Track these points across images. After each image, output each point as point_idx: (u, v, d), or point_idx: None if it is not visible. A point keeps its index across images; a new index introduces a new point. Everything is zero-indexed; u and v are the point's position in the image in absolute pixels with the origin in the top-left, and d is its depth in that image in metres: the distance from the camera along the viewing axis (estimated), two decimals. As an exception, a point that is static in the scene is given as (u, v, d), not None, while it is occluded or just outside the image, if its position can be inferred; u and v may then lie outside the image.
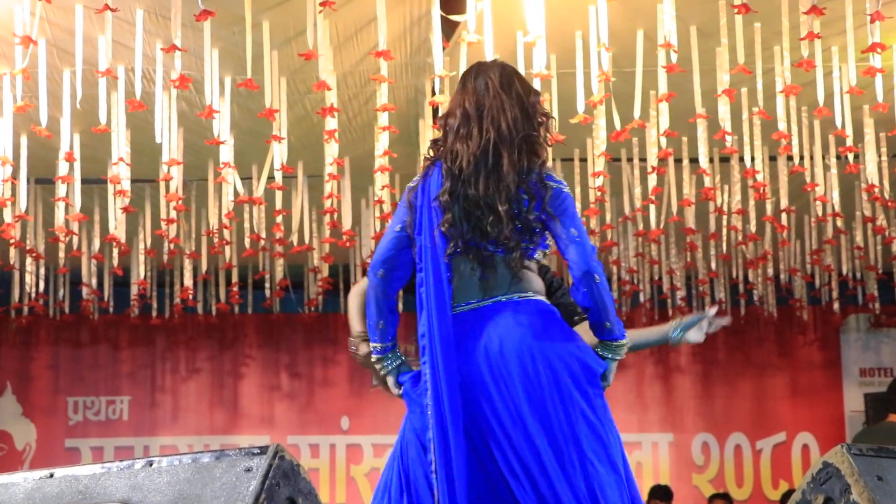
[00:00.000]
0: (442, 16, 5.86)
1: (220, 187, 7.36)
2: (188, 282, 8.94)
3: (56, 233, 7.40)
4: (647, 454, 11.17)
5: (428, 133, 6.81)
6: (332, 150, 6.50)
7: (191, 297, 9.34)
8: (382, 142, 6.41)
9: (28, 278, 8.66)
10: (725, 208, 7.89)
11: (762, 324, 10.97)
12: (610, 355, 3.42)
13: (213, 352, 11.28)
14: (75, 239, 8.01)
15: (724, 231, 8.28)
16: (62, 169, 6.78)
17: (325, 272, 8.80)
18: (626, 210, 7.89)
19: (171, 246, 8.21)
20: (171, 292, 9.94)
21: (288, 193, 7.67)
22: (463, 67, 5.56)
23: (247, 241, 8.06)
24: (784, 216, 7.63)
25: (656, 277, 9.69)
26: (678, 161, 7.49)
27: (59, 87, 6.42)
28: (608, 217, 8.31)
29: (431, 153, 3.41)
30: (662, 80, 6.07)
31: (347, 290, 9.91)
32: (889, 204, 7.69)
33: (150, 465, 3.24)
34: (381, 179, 6.76)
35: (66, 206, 7.06)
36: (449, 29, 6.06)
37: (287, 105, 6.67)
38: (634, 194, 7.68)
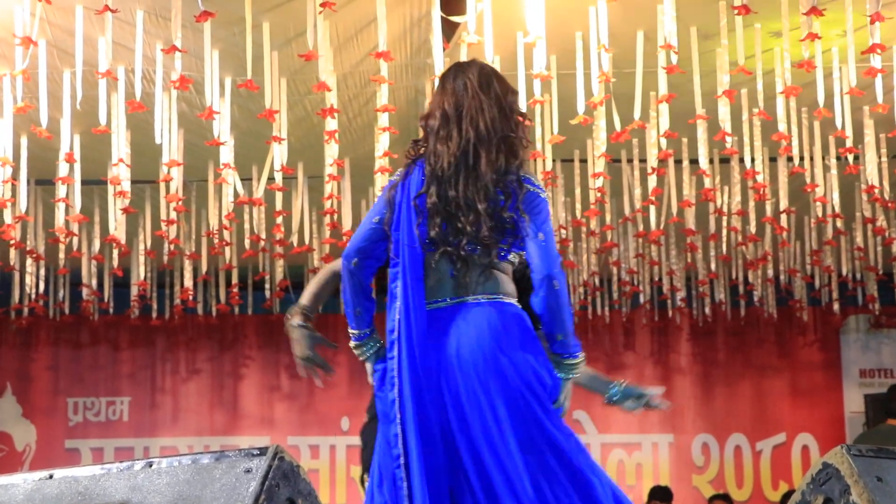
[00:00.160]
0: (442, 17, 5.86)
1: (221, 188, 7.36)
2: (188, 283, 8.93)
3: (56, 234, 7.39)
4: (647, 455, 11.17)
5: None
6: (332, 150, 6.50)
7: (191, 297, 9.34)
8: (382, 143, 6.41)
9: (28, 279, 8.65)
10: (725, 209, 7.89)
11: (762, 325, 10.97)
12: (561, 373, 3.33)
13: (214, 353, 11.28)
14: (75, 240, 8.01)
15: (724, 232, 8.28)
16: (62, 170, 6.78)
17: (325, 273, 8.77)
18: (627, 211, 7.89)
19: (172, 247, 8.21)
20: (172, 293, 9.94)
21: (288, 194, 7.67)
22: (463, 68, 5.55)
23: (247, 242, 8.06)
24: (784, 217, 7.63)
25: (656, 278, 9.69)
26: (678, 162, 7.50)
27: (60, 87, 6.42)
28: (608, 218, 8.31)
29: (412, 152, 3.41)
30: (662, 81, 6.07)
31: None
32: (889, 205, 7.69)
33: (150, 466, 3.24)
34: (381, 180, 6.76)
35: (67, 207, 7.06)
36: (449, 30, 6.06)
37: (287, 106, 6.67)
38: (634, 195, 7.68)
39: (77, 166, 6.86)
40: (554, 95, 6.40)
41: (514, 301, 3.37)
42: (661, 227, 7.80)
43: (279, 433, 11.05)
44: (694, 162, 7.14)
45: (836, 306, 9.94)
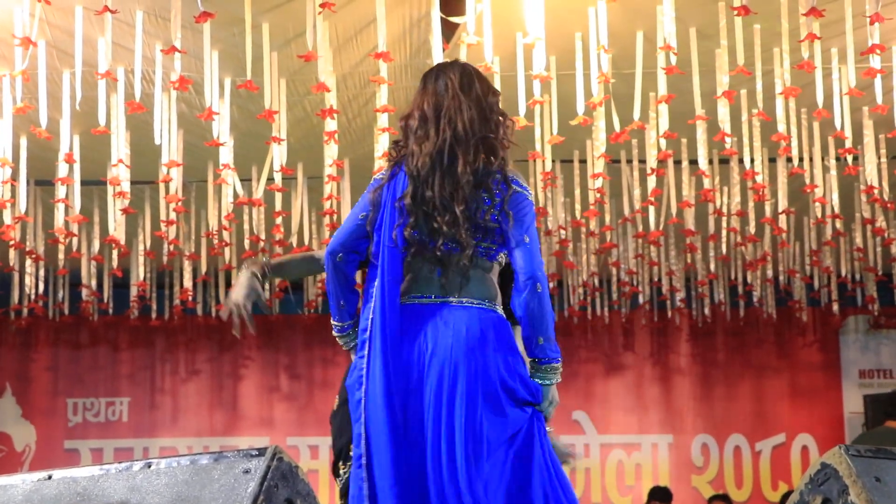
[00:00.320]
0: (442, 17, 5.86)
1: (220, 189, 7.36)
2: (188, 283, 8.94)
3: (56, 234, 7.39)
4: (647, 455, 11.17)
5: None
6: (331, 151, 6.50)
7: (190, 298, 9.34)
8: (382, 143, 6.40)
9: (28, 280, 8.65)
10: (725, 210, 7.89)
11: (761, 325, 10.98)
12: (540, 379, 3.33)
13: (213, 353, 11.28)
14: (75, 240, 8.01)
15: (724, 232, 8.28)
16: (62, 170, 6.78)
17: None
18: (626, 211, 7.89)
19: (171, 247, 8.21)
20: (171, 294, 9.94)
21: (287, 195, 7.67)
22: (462, 69, 5.55)
23: (246, 243, 8.06)
24: (783, 218, 7.63)
25: (656, 279, 9.69)
26: (678, 163, 7.50)
27: (59, 88, 6.42)
28: (608, 219, 8.31)
29: (393, 154, 3.44)
30: (662, 81, 6.06)
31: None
32: (888, 205, 7.69)
33: (149, 466, 3.25)
34: (380, 181, 6.75)
35: (66, 208, 7.06)
36: (448, 30, 6.06)
37: (287, 106, 6.67)
38: (634, 196, 7.68)
39: (76, 167, 6.86)
40: (553, 96, 6.40)
41: (497, 307, 3.38)
42: (661, 227, 7.80)
43: (278, 434, 11.05)
44: (693, 162, 7.14)
45: (835, 307, 9.94)
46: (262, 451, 3.19)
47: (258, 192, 7.29)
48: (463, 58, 5.75)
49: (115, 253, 8.26)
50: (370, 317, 3.29)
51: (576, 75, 6.13)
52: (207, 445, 10.93)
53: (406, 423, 3.24)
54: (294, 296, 9.94)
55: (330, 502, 10.87)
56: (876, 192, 7.15)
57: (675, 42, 5.78)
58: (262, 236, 7.95)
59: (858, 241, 8.64)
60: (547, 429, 3.49)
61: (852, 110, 6.49)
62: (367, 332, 3.29)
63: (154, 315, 10.10)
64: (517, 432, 3.26)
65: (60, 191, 6.92)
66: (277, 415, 11.23)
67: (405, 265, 3.32)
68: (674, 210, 7.59)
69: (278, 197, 7.10)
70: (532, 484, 3.23)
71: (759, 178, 7.14)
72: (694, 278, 10.09)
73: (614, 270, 9.38)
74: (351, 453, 4.12)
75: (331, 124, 6.28)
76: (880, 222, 7.95)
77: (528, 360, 3.35)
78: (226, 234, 7.90)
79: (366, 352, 3.29)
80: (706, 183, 7.06)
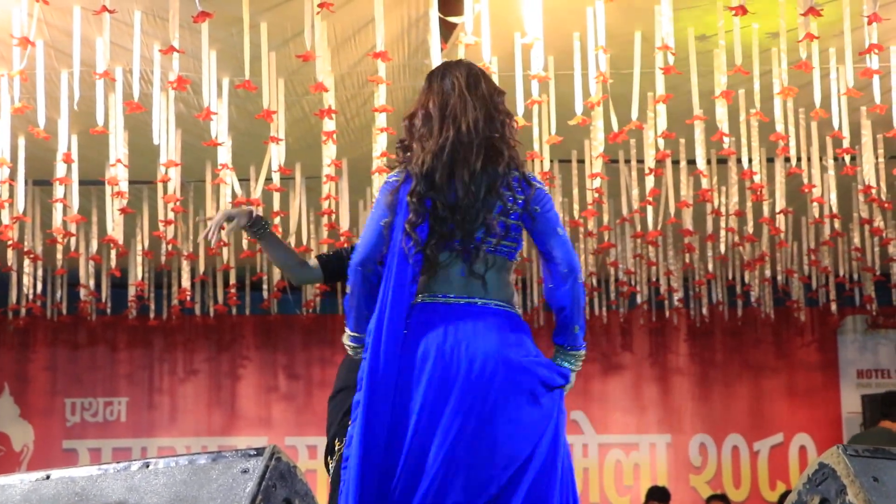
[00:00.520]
0: (440, 17, 5.86)
1: (218, 188, 7.36)
2: (186, 283, 8.93)
3: (54, 234, 7.39)
4: (645, 455, 11.18)
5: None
6: (329, 151, 6.50)
7: (188, 298, 9.34)
8: (380, 143, 6.40)
9: (26, 280, 8.65)
10: (723, 210, 7.89)
11: (759, 325, 10.98)
12: (569, 365, 3.40)
13: (211, 353, 11.28)
14: (73, 240, 8.01)
15: (722, 232, 8.28)
16: (60, 170, 6.78)
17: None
18: (624, 211, 7.90)
19: (169, 247, 8.22)
20: (169, 293, 9.94)
21: (286, 195, 7.67)
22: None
23: (244, 243, 8.06)
24: (781, 218, 7.64)
25: (654, 279, 9.69)
26: (676, 163, 7.49)
27: (57, 88, 6.42)
28: (606, 219, 8.31)
29: (401, 154, 3.41)
30: (660, 81, 6.07)
31: (345, 291, 9.91)
32: (886, 205, 7.69)
33: (147, 466, 3.24)
34: (378, 181, 6.75)
35: (64, 208, 7.06)
36: (447, 30, 6.07)
37: (285, 106, 6.67)
38: (632, 196, 7.68)
39: (75, 167, 6.86)
40: (551, 96, 6.40)
41: (516, 308, 3.40)
42: (659, 227, 7.80)
43: (277, 433, 11.05)
44: (691, 162, 7.14)
45: (833, 307, 9.95)
46: (260, 451, 3.19)
47: (256, 192, 7.29)
48: (461, 58, 5.76)
49: (113, 253, 8.26)
50: (376, 320, 3.27)
51: (574, 75, 6.13)
52: (205, 445, 10.93)
53: (395, 429, 3.23)
54: (292, 296, 9.94)
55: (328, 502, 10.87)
56: (874, 191, 7.15)
57: (673, 42, 5.78)
58: (243, 231, 7.93)
59: (856, 240, 8.65)
60: None
61: (850, 110, 6.49)
62: (371, 336, 3.27)
63: (152, 315, 10.10)
64: (542, 437, 3.26)
65: (59, 191, 6.92)
66: (275, 415, 11.23)
67: (425, 264, 3.30)
68: (672, 210, 7.59)
69: (276, 197, 7.10)
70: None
71: (757, 178, 7.14)
72: (692, 278, 10.10)
73: (612, 270, 9.38)
74: (336, 447, 4.13)
75: (329, 124, 6.28)
76: (878, 222, 7.95)
77: (556, 346, 3.41)
78: (224, 235, 7.90)
79: (367, 354, 3.27)
80: (704, 183, 7.07)
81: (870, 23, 5.52)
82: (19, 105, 5.98)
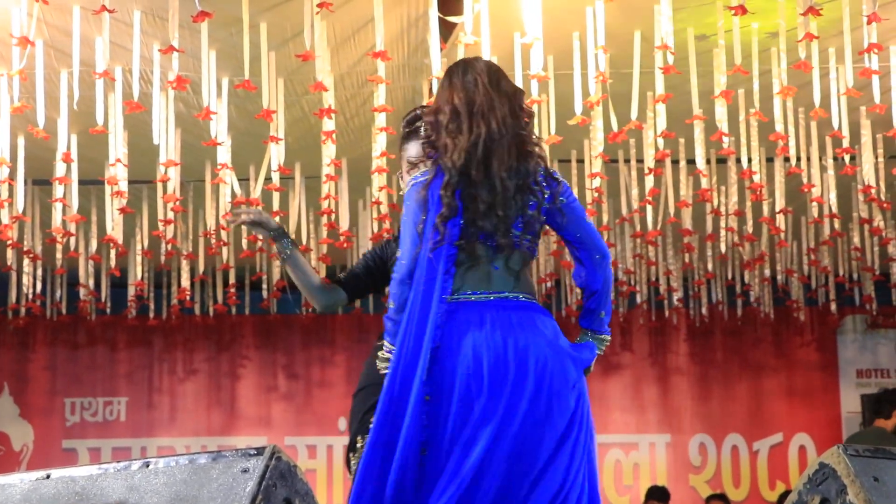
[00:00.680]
0: (439, 17, 5.87)
1: (218, 188, 7.36)
2: (185, 283, 8.93)
3: (53, 234, 7.39)
4: (645, 455, 11.18)
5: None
6: (329, 151, 6.50)
7: (188, 298, 9.34)
8: (380, 143, 6.41)
9: (25, 279, 8.65)
10: (722, 209, 7.89)
11: (759, 325, 10.98)
12: (597, 347, 3.50)
13: (211, 353, 11.28)
14: (72, 240, 8.01)
15: (722, 232, 8.28)
16: (59, 170, 6.78)
17: (323, 273, 8.79)
18: (624, 211, 7.90)
19: (169, 247, 8.21)
20: (169, 293, 9.94)
21: (285, 194, 7.67)
22: (460, 69, 5.55)
23: (244, 242, 8.06)
24: (781, 217, 7.64)
25: (653, 278, 9.70)
26: (675, 162, 7.50)
27: (57, 88, 6.42)
28: (605, 218, 8.31)
29: (427, 150, 3.38)
30: (659, 81, 6.07)
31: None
32: (886, 205, 7.69)
33: (147, 466, 3.24)
34: (378, 181, 6.76)
35: (64, 207, 7.05)
36: (446, 30, 6.07)
37: (284, 106, 6.67)
38: (632, 195, 7.68)
39: (74, 166, 6.86)
40: (551, 96, 6.41)
41: (537, 301, 3.42)
42: (659, 227, 7.80)
43: (276, 433, 11.05)
44: (691, 162, 7.15)
45: (832, 306, 9.95)
46: (260, 451, 3.19)
47: (256, 192, 7.29)
48: (460, 58, 5.76)
49: (112, 252, 8.26)
50: (408, 313, 3.25)
51: (573, 75, 6.14)
52: (205, 445, 10.93)
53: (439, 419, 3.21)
54: (292, 296, 9.92)
55: (328, 501, 10.88)
56: (873, 191, 7.15)
57: (673, 42, 5.78)
58: (260, 236, 7.94)
59: (856, 240, 8.65)
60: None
61: (850, 110, 6.49)
62: (402, 330, 3.24)
63: (152, 315, 10.10)
64: (571, 425, 3.28)
65: (58, 190, 6.92)
66: (275, 414, 11.23)
67: (460, 260, 3.29)
68: (671, 210, 7.59)
69: (276, 196, 7.10)
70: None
71: (756, 178, 7.14)
72: (691, 278, 10.09)
73: (613, 270, 9.38)
74: (357, 444, 4.10)
75: (328, 124, 6.28)
76: (878, 222, 7.95)
77: (583, 330, 3.48)
78: (223, 234, 7.90)
79: (396, 349, 3.24)
80: (704, 182, 7.07)
81: (869, 22, 5.53)
82: (19, 104, 5.98)
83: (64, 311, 9.90)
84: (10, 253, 8.45)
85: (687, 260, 9.38)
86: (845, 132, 6.40)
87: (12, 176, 6.92)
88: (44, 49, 6.07)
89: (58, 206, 7.04)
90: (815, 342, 11.40)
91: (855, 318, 11.30)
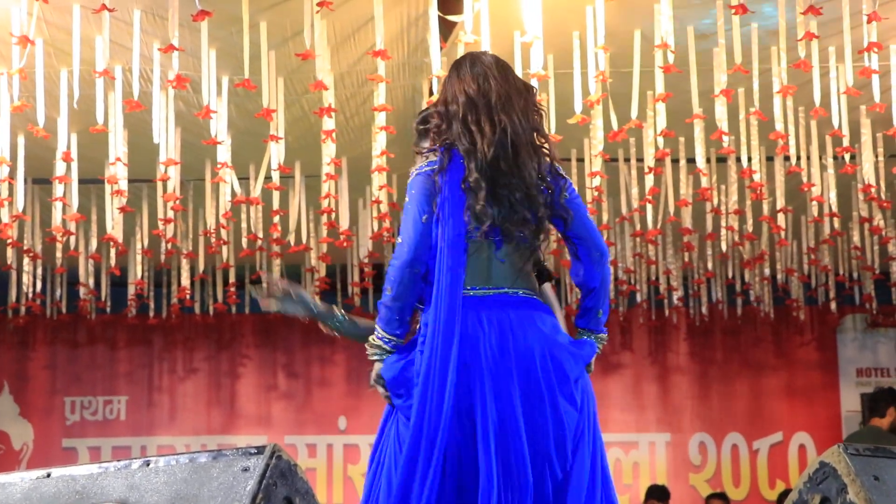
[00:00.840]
0: (439, 16, 5.86)
1: (218, 187, 7.36)
2: (185, 282, 8.93)
3: (53, 233, 7.39)
4: (644, 454, 11.18)
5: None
6: (329, 150, 6.50)
7: (188, 297, 9.34)
8: (380, 142, 6.41)
9: (25, 278, 8.65)
10: (722, 208, 7.89)
11: (759, 324, 10.98)
12: (596, 345, 3.48)
13: (211, 352, 11.28)
14: (72, 239, 8.00)
15: (722, 231, 8.28)
16: (59, 169, 6.77)
17: (323, 272, 8.79)
18: (624, 210, 7.90)
19: (169, 246, 8.21)
20: (169, 292, 9.94)
21: (285, 193, 7.66)
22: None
23: (244, 241, 8.06)
24: (781, 216, 7.64)
25: (653, 277, 9.69)
26: (675, 161, 7.50)
27: (57, 87, 6.42)
28: (605, 217, 8.31)
29: (439, 140, 3.32)
30: (659, 80, 6.07)
31: (345, 289, 9.93)
32: (886, 204, 7.69)
33: (147, 465, 3.24)
34: (378, 179, 6.76)
35: (64, 206, 7.05)
36: (446, 29, 6.07)
37: (284, 105, 6.67)
38: (631, 194, 7.68)
39: (74, 165, 6.86)
40: (551, 95, 6.40)
41: (538, 297, 3.40)
42: (658, 226, 7.80)
43: (276, 432, 11.05)
44: (691, 161, 7.14)
45: (832, 305, 9.95)
46: (260, 450, 3.19)
47: (256, 191, 7.29)
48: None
49: (112, 251, 8.26)
50: (434, 309, 3.20)
51: (573, 74, 6.13)
52: (205, 444, 10.93)
53: (467, 415, 3.20)
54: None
55: (328, 500, 10.88)
56: (873, 190, 7.15)
57: (673, 41, 5.78)
58: (260, 235, 7.95)
59: (856, 239, 8.65)
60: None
61: (850, 109, 6.49)
62: (430, 327, 3.20)
63: (152, 313, 10.10)
64: (581, 422, 3.29)
65: (58, 189, 6.92)
66: (275, 413, 11.23)
67: (475, 252, 3.27)
68: (671, 209, 7.60)
69: (276, 195, 7.10)
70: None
71: (756, 177, 7.14)
72: (691, 277, 10.09)
73: (612, 269, 9.38)
74: None
75: (328, 123, 6.28)
76: (878, 221, 7.95)
77: (580, 330, 3.44)
78: (223, 233, 7.90)
79: (426, 347, 3.20)
80: (704, 181, 7.07)
81: (869, 21, 5.53)
82: (19, 103, 5.98)
83: (64, 309, 9.90)
84: (10, 252, 8.45)
85: (687, 259, 9.38)
86: (845, 131, 6.40)
87: (12, 175, 6.92)
88: (44, 48, 6.07)
89: (58, 205, 7.04)
90: (815, 341, 11.40)
91: (855, 317, 11.30)
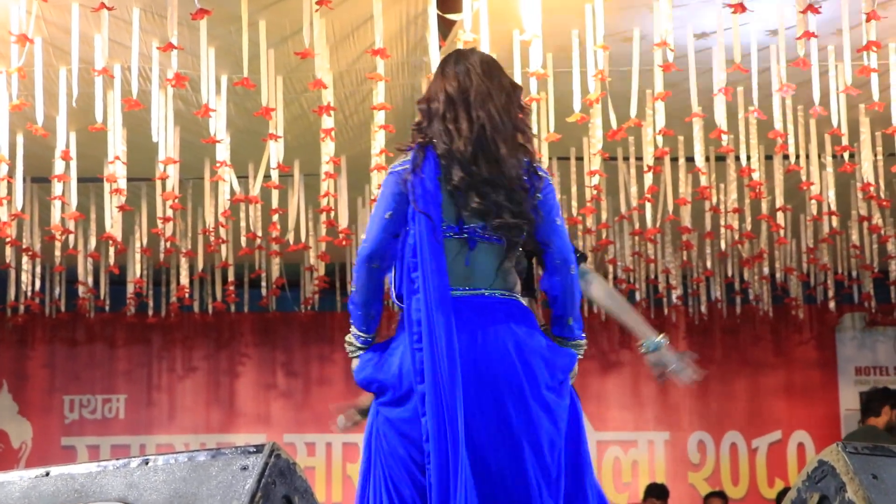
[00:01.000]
0: (438, 14, 5.87)
1: (217, 186, 7.36)
2: (184, 280, 8.93)
3: (52, 231, 7.40)
4: (643, 452, 11.18)
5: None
6: (328, 148, 6.50)
7: (187, 295, 9.34)
8: (379, 140, 6.41)
9: (24, 277, 8.65)
10: (721, 207, 7.89)
11: (758, 322, 10.98)
12: (574, 352, 3.40)
13: (210, 350, 11.28)
14: (71, 237, 8.01)
15: (721, 230, 8.29)
16: (58, 167, 6.78)
17: (322, 271, 8.80)
18: (623, 209, 7.90)
19: (168, 244, 8.21)
20: (168, 291, 9.94)
21: (284, 192, 7.67)
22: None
23: (243, 240, 8.06)
24: (780, 215, 7.64)
25: (652, 276, 9.70)
26: (674, 160, 7.50)
27: (56, 85, 6.42)
28: (604, 216, 8.31)
29: (417, 137, 3.32)
30: (658, 78, 6.07)
31: (344, 288, 9.94)
32: (885, 203, 7.69)
33: (146, 463, 3.24)
34: (377, 178, 6.75)
35: (63, 205, 7.06)
36: (445, 28, 6.07)
37: (283, 104, 6.66)
38: (630, 193, 7.68)
39: (73, 164, 6.86)
40: (550, 93, 6.41)
41: (519, 296, 3.37)
42: (657, 224, 7.81)
43: (275, 431, 11.05)
44: (690, 160, 7.14)
45: (831, 304, 9.96)
46: (259, 448, 3.19)
47: (255, 190, 7.29)
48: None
49: (111, 250, 8.26)
50: (424, 307, 3.18)
51: (572, 73, 6.14)
52: (204, 442, 10.93)
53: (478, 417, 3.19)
54: (291, 293, 9.93)
55: (327, 499, 10.88)
56: (872, 189, 7.16)
57: (672, 39, 5.78)
58: (259, 233, 7.95)
59: (855, 238, 8.65)
60: (658, 341, 3.76)
61: (849, 108, 6.50)
62: (424, 325, 3.17)
63: (151, 312, 10.10)
64: (565, 423, 3.26)
65: (57, 188, 6.92)
66: (274, 412, 11.23)
67: (452, 250, 3.26)
68: (670, 207, 7.60)
69: (275, 194, 7.10)
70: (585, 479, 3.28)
71: (755, 176, 7.14)
72: (690, 275, 10.09)
73: (611, 268, 9.38)
74: None
75: (327, 121, 6.28)
76: (877, 219, 7.95)
77: (555, 338, 3.37)
78: (222, 232, 7.90)
79: (425, 344, 3.17)
80: (703, 180, 7.07)
81: (868, 20, 5.53)
82: (18, 102, 5.98)
83: (63, 308, 9.90)
84: (8, 251, 8.45)
85: (686, 258, 9.39)
86: (844, 130, 6.40)
87: (11, 173, 6.92)
88: (43, 46, 6.07)
89: (57, 204, 7.04)
90: (813, 340, 11.40)
91: (854, 316, 11.30)
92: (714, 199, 7.71)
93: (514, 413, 3.20)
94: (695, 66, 6.25)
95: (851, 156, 6.95)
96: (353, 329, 3.39)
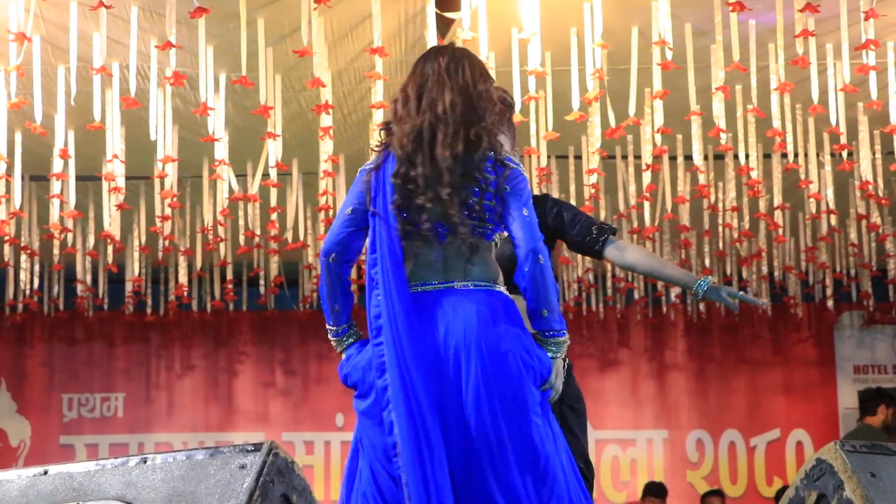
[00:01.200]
0: (437, 13, 5.86)
1: (215, 184, 7.36)
2: (183, 279, 8.93)
3: (50, 230, 7.39)
4: (642, 451, 11.19)
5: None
6: (326, 147, 6.50)
7: (185, 293, 9.32)
8: (377, 139, 6.39)
9: (22, 275, 8.65)
10: (720, 205, 7.89)
11: (756, 321, 10.99)
12: (549, 353, 3.32)
13: (208, 349, 11.28)
14: (70, 236, 8.01)
15: (719, 228, 8.29)
16: (57, 166, 6.77)
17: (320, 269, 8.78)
18: (621, 207, 7.90)
19: (166, 243, 8.21)
20: (166, 289, 9.94)
21: (283, 190, 7.66)
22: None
23: (241, 239, 8.06)
24: (778, 213, 7.64)
25: (651, 274, 9.68)
26: (673, 158, 7.50)
27: (54, 83, 6.41)
28: (603, 214, 8.31)
29: (383, 136, 3.37)
30: (657, 77, 6.07)
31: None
32: (883, 201, 7.69)
33: (145, 462, 3.25)
34: (376, 176, 6.75)
35: (61, 203, 7.06)
36: (444, 26, 6.07)
37: (282, 102, 6.66)
38: (629, 191, 7.69)
39: (71, 162, 6.85)
40: (548, 92, 6.40)
41: (500, 287, 3.35)
42: (656, 223, 7.81)
43: (274, 429, 11.05)
44: (688, 158, 7.14)
45: (830, 303, 9.96)
46: (257, 447, 3.20)
47: (253, 188, 7.28)
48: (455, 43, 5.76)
49: (110, 248, 8.25)
50: (383, 302, 3.21)
51: (571, 71, 6.13)
52: (203, 441, 10.93)
53: (434, 406, 3.18)
54: (289, 291, 9.93)
55: (325, 497, 10.88)
56: (870, 187, 7.16)
57: (671, 37, 5.78)
58: (258, 232, 7.95)
59: (853, 236, 8.66)
60: (705, 279, 3.79)
61: (847, 106, 6.50)
62: (384, 318, 3.21)
63: (149, 310, 10.10)
64: (537, 425, 3.23)
65: (55, 186, 6.92)
66: (273, 410, 11.22)
67: (405, 251, 3.27)
68: (669, 206, 7.60)
69: (273, 193, 7.10)
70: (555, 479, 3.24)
71: (754, 174, 7.14)
72: (689, 274, 10.09)
73: (609, 266, 9.39)
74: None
75: (326, 120, 6.28)
76: (875, 218, 7.95)
77: (534, 333, 3.32)
78: (221, 230, 7.90)
79: (387, 338, 3.20)
80: (701, 179, 7.07)
81: (866, 19, 5.53)
82: (16, 100, 5.98)
83: (61, 306, 9.89)
84: (7, 249, 8.45)
85: (684, 256, 9.38)
86: (842, 128, 6.40)
87: (9, 172, 6.91)
88: (41, 45, 6.06)
89: (55, 202, 7.04)
90: (812, 338, 11.40)
91: (852, 314, 11.31)
92: (712, 198, 7.71)
93: (473, 403, 3.19)
94: (693, 65, 6.24)
95: (850, 154, 6.95)
96: (326, 324, 3.44)
